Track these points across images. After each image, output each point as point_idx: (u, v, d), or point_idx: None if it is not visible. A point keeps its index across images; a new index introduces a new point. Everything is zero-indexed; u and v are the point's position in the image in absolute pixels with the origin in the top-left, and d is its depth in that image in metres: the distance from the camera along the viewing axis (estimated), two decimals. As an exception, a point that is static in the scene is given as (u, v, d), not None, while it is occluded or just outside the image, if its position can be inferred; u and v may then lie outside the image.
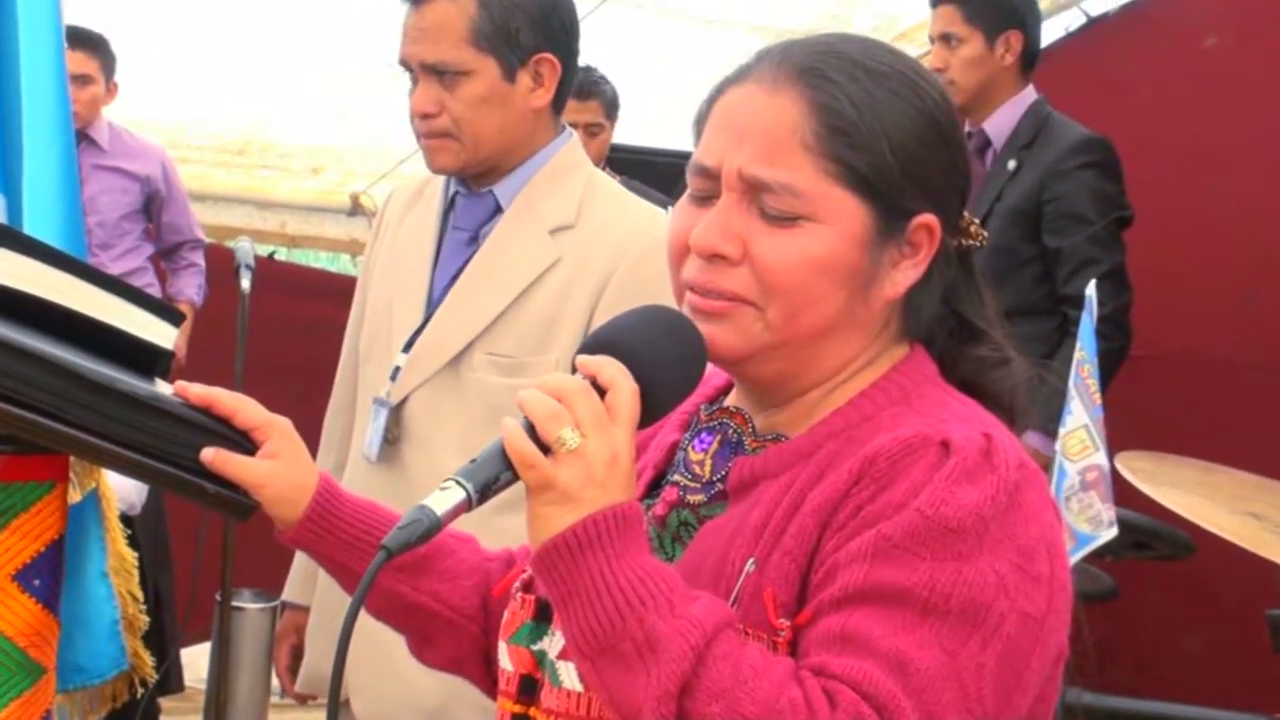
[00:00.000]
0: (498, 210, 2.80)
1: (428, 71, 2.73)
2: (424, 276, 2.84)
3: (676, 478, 1.67)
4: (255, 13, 5.49)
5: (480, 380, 2.71)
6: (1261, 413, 4.70)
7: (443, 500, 1.46)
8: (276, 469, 1.81)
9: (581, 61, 4.74)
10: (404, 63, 2.77)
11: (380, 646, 2.38)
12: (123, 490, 3.00)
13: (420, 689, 2.60)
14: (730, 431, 1.65)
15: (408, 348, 2.80)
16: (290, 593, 3.08)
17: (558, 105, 2.83)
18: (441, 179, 2.89)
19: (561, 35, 2.80)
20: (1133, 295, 4.46)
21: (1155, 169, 5.10)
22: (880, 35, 5.77)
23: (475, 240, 2.81)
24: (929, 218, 1.59)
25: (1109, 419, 3.20)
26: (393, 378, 2.80)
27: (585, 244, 2.73)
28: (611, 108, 5.40)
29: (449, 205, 2.87)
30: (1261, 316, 4.75)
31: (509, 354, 2.70)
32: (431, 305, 2.81)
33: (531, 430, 1.45)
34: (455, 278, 2.79)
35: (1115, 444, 3.20)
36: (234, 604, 5.37)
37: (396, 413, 2.78)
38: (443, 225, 2.87)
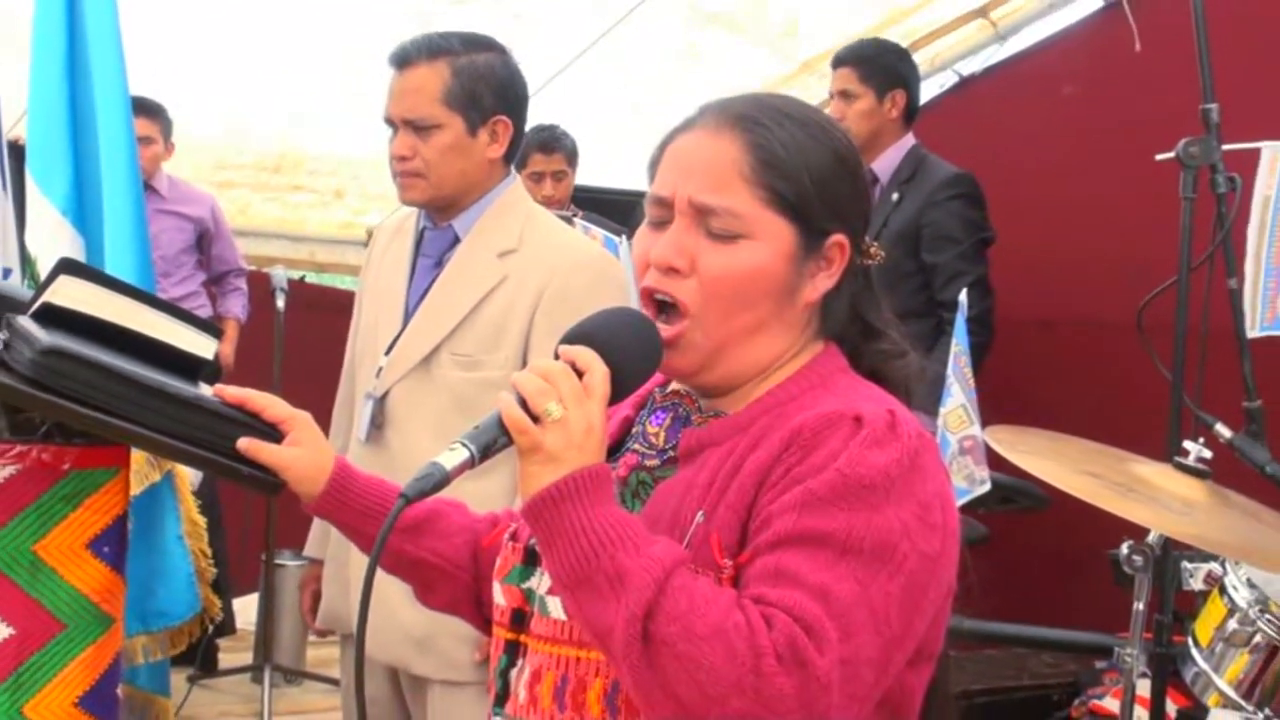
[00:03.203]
0: (456, 240, 2.82)
1: (406, 124, 2.76)
2: (400, 294, 2.86)
3: (636, 446, 1.67)
4: (286, 49, 5.50)
5: (446, 375, 2.74)
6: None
7: (451, 458, 1.48)
8: (299, 454, 1.81)
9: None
10: (388, 119, 2.80)
11: (377, 591, 2.38)
12: (189, 471, 3.03)
13: (411, 623, 2.60)
14: (681, 410, 1.66)
15: (389, 351, 2.81)
16: (310, 549, 3.08)
17: (508, 157, 2.85)
18: (414, 217, 2.91)
19: (515, 103, 2.83)
20: (994, 299, 4.50)
21: (1022, 190, 5.14)
22: (786, 41, 5.76)
23: (439, 264, 2.83)
24: (841, 236, 1.60)
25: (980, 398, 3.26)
26: (377, 375, 2.82)
27: (525, 264, 2.74)
28: (572, 157, 5.40)
29: (419, 238, 2.89)
30: (1100, 297, 4.79)
31: (469, 353, 2.72)
32: (407, 316, 2.83)
33: (523, 404, 1.46)
34: (424, 295, 2.82)
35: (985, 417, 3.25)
36: (276, 562, 5.41)
37: (381, 403, 2.80)
38: (415, 253, 2.88)
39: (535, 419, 1.46)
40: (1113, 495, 2.55)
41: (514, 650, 1.64)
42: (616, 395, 1.52)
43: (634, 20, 5.45)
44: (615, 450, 1.69)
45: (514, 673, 1.63)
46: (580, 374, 1.49)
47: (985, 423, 3.13)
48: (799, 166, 1.57)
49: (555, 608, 1.57)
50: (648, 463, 1.65)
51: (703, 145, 1.59)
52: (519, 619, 1.64)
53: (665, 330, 1.57)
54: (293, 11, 5.33)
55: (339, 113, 5.72)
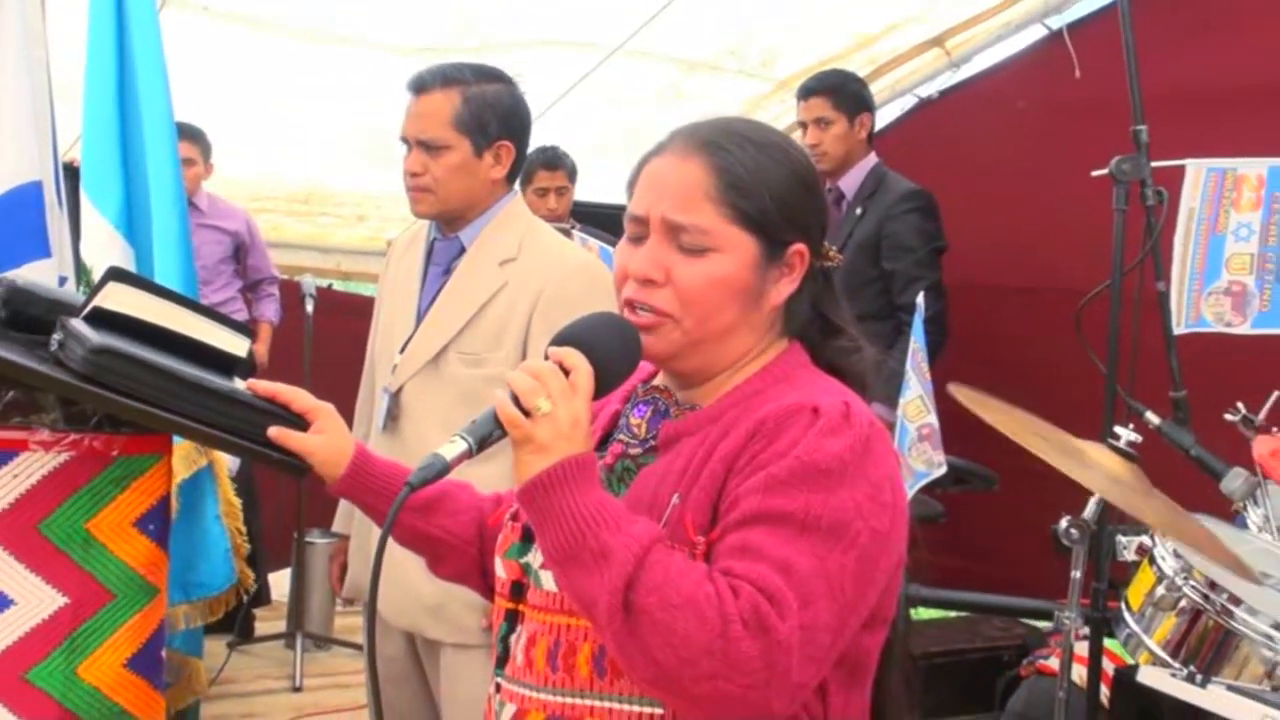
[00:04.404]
0: (462, 250, 2.81)
1: (419, 144, 2.76)
2: (413, 299, 2.86)
3: (621, 437, 1.67)
4: (314, 96, 5.52)
5: (454, 372, 2.73)
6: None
7: (450, 449, 1.49)
8: (323, 441, 1.83)
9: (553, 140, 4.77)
10: (403, 138, 2.80)
11: (396, 564, 2.37)
12: (227, 458, 3.04)
13: (424, 592, 2.61)
14: (660, 403, 1.67)
15: (403, 350, 2.81)
16: (337, 526, 3.09)
17: (510, 177, 2.84)
18: (426, 230, 2.91)
19: (519, 130, 2.83)
20: (947, 302, 4.51)
21: (973, 201, 5.13)
22: (765, 70, 5.75)
23: (448, 272, 2.82)
24: (800, 246, 1.60)
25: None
26: (393, 372, 2.81)
27: (524, 272, 2.74)
28: (572, 174, 5.41)
29: (430, 248, 2.88)
30: (1042, 298, 4.78)
31: (474, 352, 2.72)
32: (419, 319, 2.82)
33: (516, 400, 1.47)
34: (434, 299, 2.81)
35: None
36: (306, 539, 5.40)
37: (396, 397, 2.80)
38: (426, 262, 2.88)
39: (527, 413, 1.46)
40: (1060, 455, 2.55)
41: (513, 618, 1.64)
42: (601, 390, 1.52)
43: (623, 63, 5.50)
44: (605, 440, 1.70)
45: (513, 638, 1.63)
46: (567, 372, 1.49)
47: (940, 397, 3.13)
48: (759, 185, 1.57)
49: (548, 580, 1.57)
50: (631, 451, 1.65)
51: (673, 168, 1.59)
52: (518, 590, 1.64)
53: (644, 319, 1.57)
54: (318, 68, 5.37)
55: (361, 154, 5.74)
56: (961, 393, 2.72)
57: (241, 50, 5.24)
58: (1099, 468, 2.61)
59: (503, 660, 1.64)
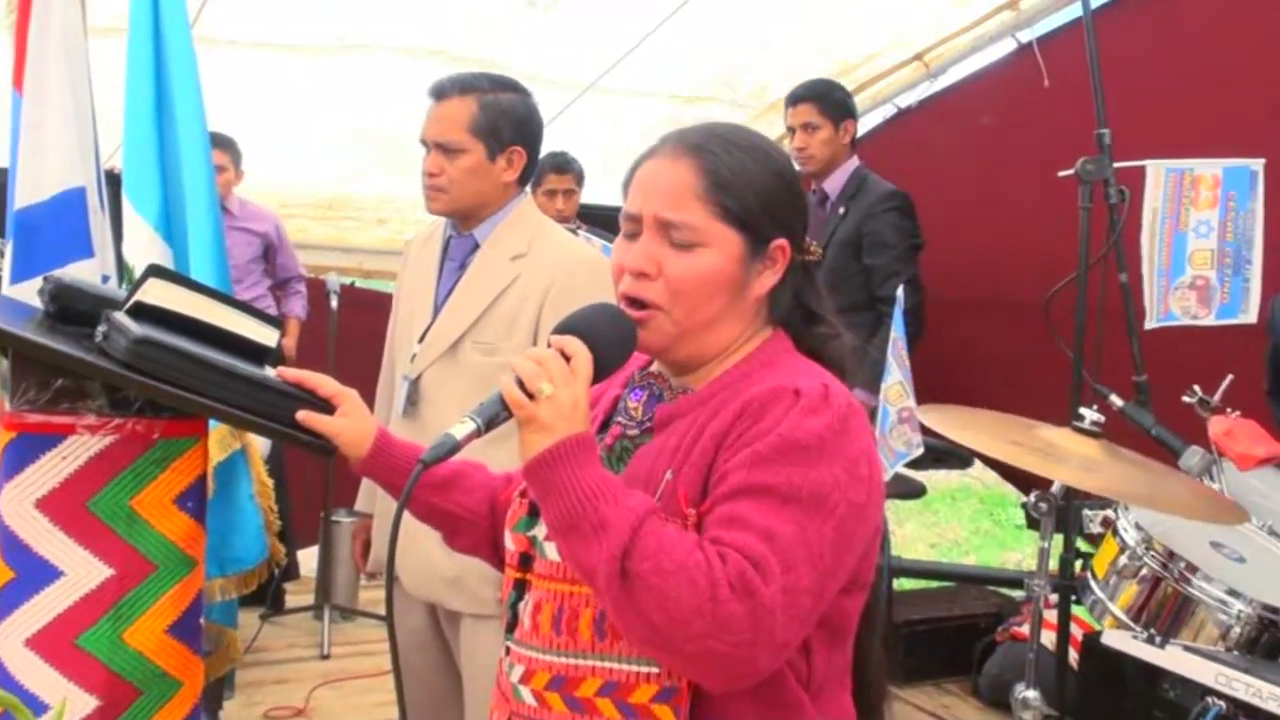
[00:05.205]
0: (476, 246, 2.81)
1: (437, 146, 2.76)
2: (431, 292, 2.85)
3: (620, 419, 1.68)
4: (339, 108, 5.55)
5: (470, 360, 2.72)
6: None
7: (461, 429, 1.50)
8: (347, 424, 1.84)
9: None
10: (423, 140, 2.79)
11: (416, 540, 2.37)
12: (259, 442, 3.05)
13: (442, 567, 2.61)
14: (655, 388, 1.68)
15: (421, 340, 2.80)
16: (360, 504, 3.09)
17: (522, 180, 2.83)
18: (442, 227, 2.90)
19: (530, 137, 2.82)
20: (924, 295, 4.51)
21: (949, 201, 5.15)
22: (755, 100, 5.79)
23: (463, 267, 2.81)
24: (782, 241, 1.61)
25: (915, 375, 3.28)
26: (412, 360, 2.81)
27: (534, 266, 2.73)
28: (580, 178, 5.43)
29: (446, 245, 2.88)
30: (1014, 289, 4.79)
31: (488, 341, 2.70)
32: (436, 311, 2.81)
33: (521, 384, 1.48)
34: (450, 292, 2.80)
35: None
36: (333, 518, 5.41)
37: (415, 384, 2.79)
38: (442, 258, 2.87)
39: (531, 396, 1.47)
40: (1031, 457, 2.57)
41: (521, 587, 1.65)
42: (599, 375, 1.53)
43: (626, 102, 5.61)
44: (606, 424, 1.71)
45: (521, 605, 1.64)
46: (568, 359, 1.50)
47: (919, 395, 3.15)
48: (744, 185, 1.58)
49: (552, 551, 1.58)
50: (629, 432, 1.66)
51: (664, 170, 1.60)
52: (525, 561, 1.65)
53: (638, 314, 1.58)
54: (339, 86, 5.41)
55: (380, 164, 5.78)
56: (931, 415, 2.74)
57: (269, 74, 5.29)
58: (1071, 457, 2.62)
59: (512, 626, 1.65)
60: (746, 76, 5.75)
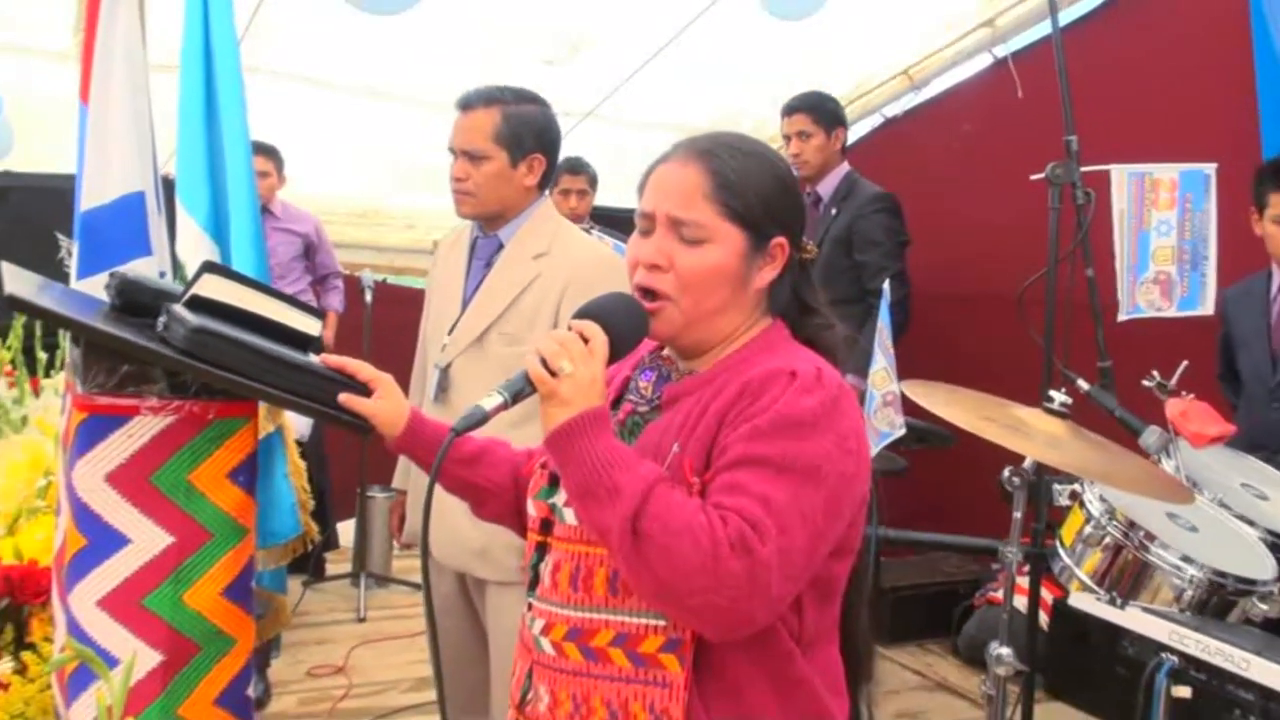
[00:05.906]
0: (501, 246, 2.81)
1: (463, 153, 2.76)
2: (459, 289, 2.86)
3: (631, 397, 1.70)
4: (369, 129, 5.59)
5: (496, 350, 2.72)
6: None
7: (489, 402, 1.53)
8: (384, 405, 1.85)
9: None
10: (450, 148, 2.80)
11: (446, 515, 2.39)
12: (297, 425, 3.06)
13: (470, 536, 2.62)
14: (664, 370, 1.70)
15: (451, 332, 2.81)
16: (396, 481, 3.10)
17: (542, 185, 2.84)
18: (469, 230, 2.91)
19: (550, 145, 2.82)
20: (910, 289, 4.53)
21: (932, 202, 5.16)
22: (757, 133, 5.83)
23: (489, 265, 2.82)
24: (781, 239, 1.63)
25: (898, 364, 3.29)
26: (442, 351, 2.81)
27: (554, 264, 2.73)
28: (593, 180, 5.44)
29: (473, 245, 2.88)
30: (990, 282, 4.79)
31: (512, 332, 2.71)
32: (464, 305, 2.82)
33: (543, 362, 1.51)
34: (477, 288, 2.81)
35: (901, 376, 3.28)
36: (369, 494, 5.44)
37: (445, 373, 2.79)
38: (470, 257, 2.88)
39: (553, 373, 1.50)
40: (1004, 433, 2.58)
41: (542, 549, 1.66)
42: (614, 356, 1.56)
43: (631, 134, 5.72)
44: (619, 401, 1.73)
45: (542, 566, 1.65)
46: (586, 340, 1.53)
47: (902, 377, 3.17)
48: (747, 187, 1.59)
49: (570, 516, 1.60)
50: (640, 409, 1.68)
51: (675, 173, 1.62)
52: (546, 526, 1.66)
53: (650, 305, 1.61)
54: (371, 123, 5.48)
55: (408, 184, 5.83)
56: (914, 390, 2.76)
57: (311, 105, 5.40)
58: (1040, 434, 2.64)
59: (533, 584, 1.67)
60: (743, 118, 5.81)
